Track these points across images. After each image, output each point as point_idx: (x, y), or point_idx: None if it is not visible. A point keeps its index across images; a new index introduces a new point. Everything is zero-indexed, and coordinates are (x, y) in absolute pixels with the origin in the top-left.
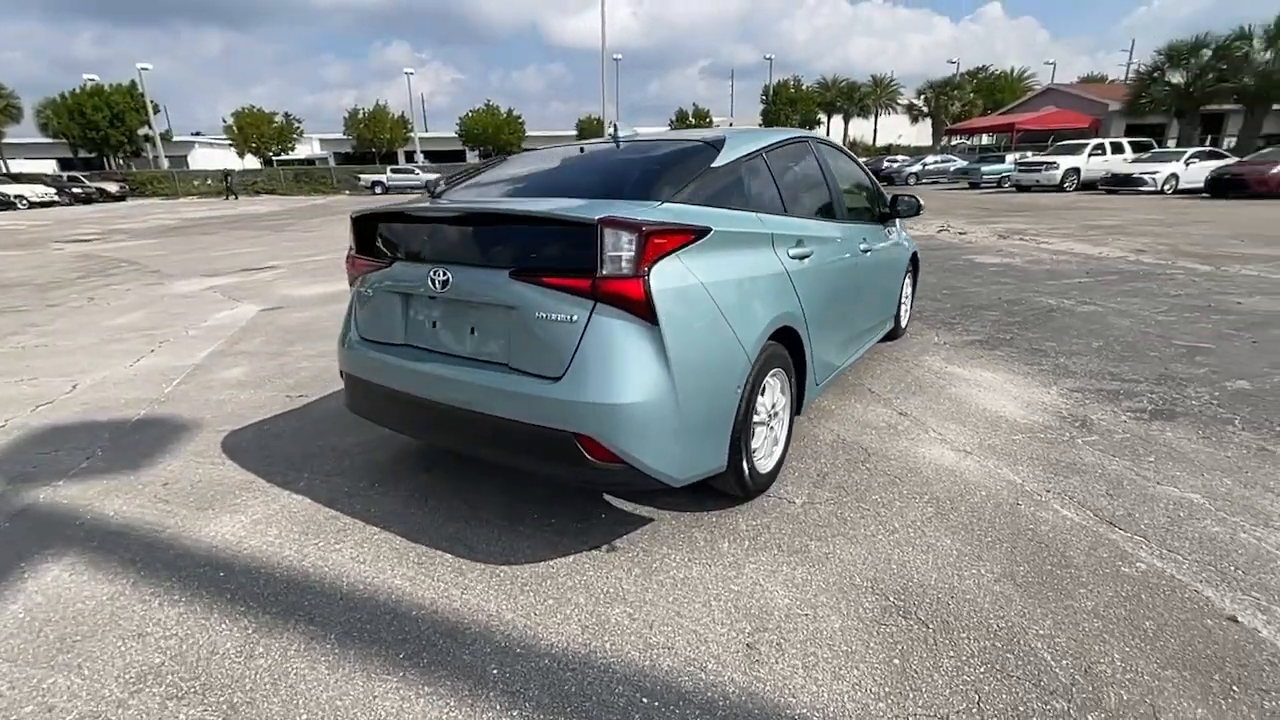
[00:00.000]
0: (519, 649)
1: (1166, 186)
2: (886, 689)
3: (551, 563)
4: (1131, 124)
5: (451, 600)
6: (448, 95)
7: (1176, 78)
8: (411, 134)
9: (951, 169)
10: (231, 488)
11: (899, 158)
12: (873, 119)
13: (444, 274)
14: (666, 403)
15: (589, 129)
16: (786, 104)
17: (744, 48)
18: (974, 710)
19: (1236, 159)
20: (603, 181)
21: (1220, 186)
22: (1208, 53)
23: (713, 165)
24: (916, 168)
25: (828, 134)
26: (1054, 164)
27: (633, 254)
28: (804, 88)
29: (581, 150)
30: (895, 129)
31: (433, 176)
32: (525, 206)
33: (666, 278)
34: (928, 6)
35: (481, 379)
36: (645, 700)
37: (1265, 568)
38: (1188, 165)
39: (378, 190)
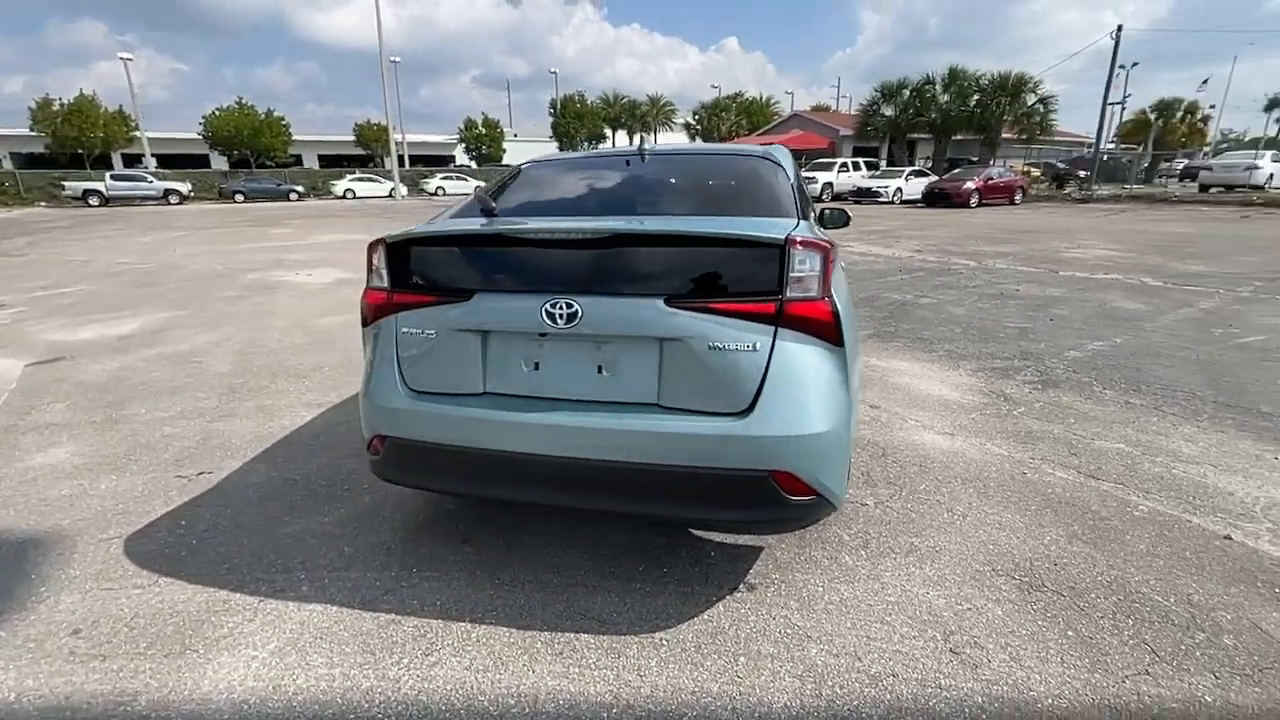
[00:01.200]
0: None
1: (895, 198)
2: (1088, 659)
3: (704, 616)
4: (857, 146)
5: (634, 687)
6: (165, 88)
7: (889, 110)
8: (138, 133)
9: None
10: (198, 614)
11: None
12: (654, 135)
13: (569, 305)
14: (845, 424)
15: (370, 135)
16: (574, 118)
17: (516, 60)
18: (1158, 658)
19: (938, 177)
20: (713, 197)
21: (932, 198)
22: (907, 92)
23: (790, 181)
24: None
25: (614, 148)
26: (814, 179)
27: (818, 274)
28: (589, 103)
29: (628, 163)
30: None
31: (181, 185)
32: (681, 225)
33: (838, 296)
34: (679, 35)
35: (627, 424)
36: None
37: (1209, 493)
38: (908, 181)
39: (93, 201)
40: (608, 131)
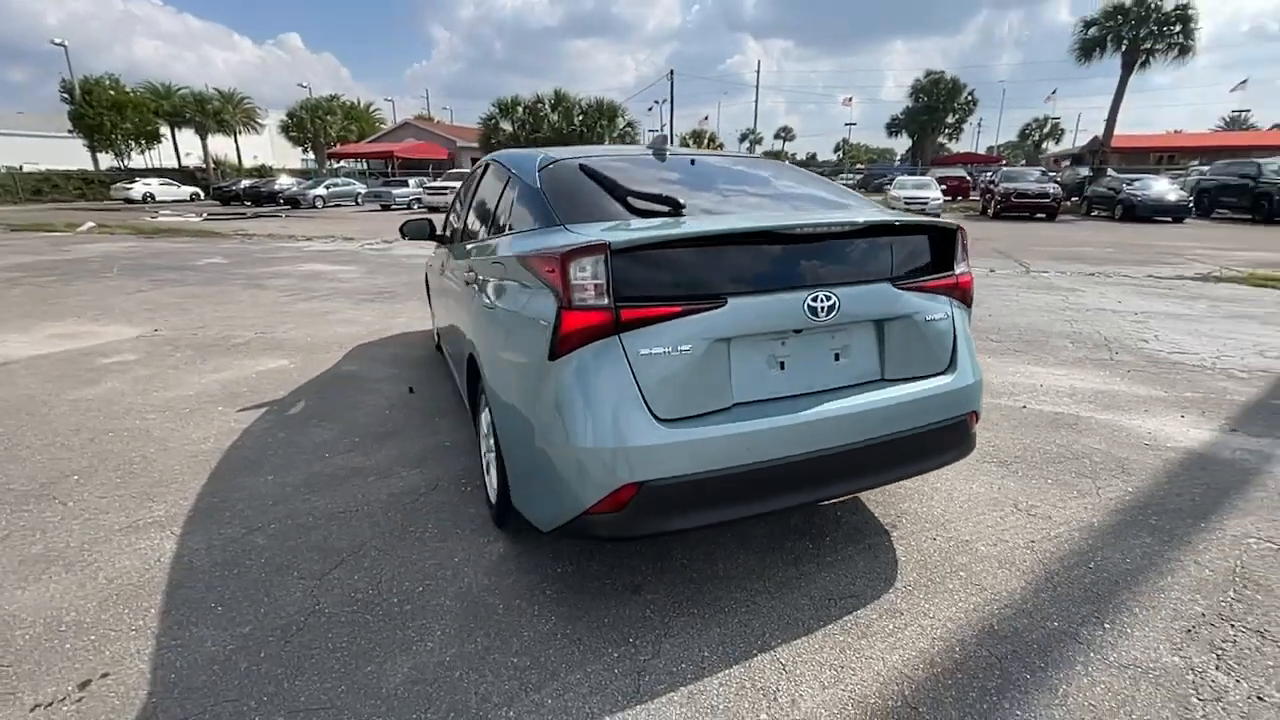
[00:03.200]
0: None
1: None
2: (1076, 492)
3: (902, 563)
4: (477, 158)
5: (944, 637)
6: None
7: (507, 125)
8: None
9: (360, 191)
10: None
11: (285, 180)
12: (235, 137)
13: (828, 298)
14: None
15: None
16: (110, 109)
17: None
18: (1096, 479)
19: None
20: (819, 193)
21: None
22: (520, 109)
23: None
24: (321, 190)
25: (176, 151)
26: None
27: (964, 252)
28: (128, 91)
29: (692, 162)
30: (253, 149)
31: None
32: (902, 217)
33: None
34: (222, 21)
35: (870, 403)
36: (1096, 563)
37: (989, 386)
38: None
39: None
40: (165, 130)
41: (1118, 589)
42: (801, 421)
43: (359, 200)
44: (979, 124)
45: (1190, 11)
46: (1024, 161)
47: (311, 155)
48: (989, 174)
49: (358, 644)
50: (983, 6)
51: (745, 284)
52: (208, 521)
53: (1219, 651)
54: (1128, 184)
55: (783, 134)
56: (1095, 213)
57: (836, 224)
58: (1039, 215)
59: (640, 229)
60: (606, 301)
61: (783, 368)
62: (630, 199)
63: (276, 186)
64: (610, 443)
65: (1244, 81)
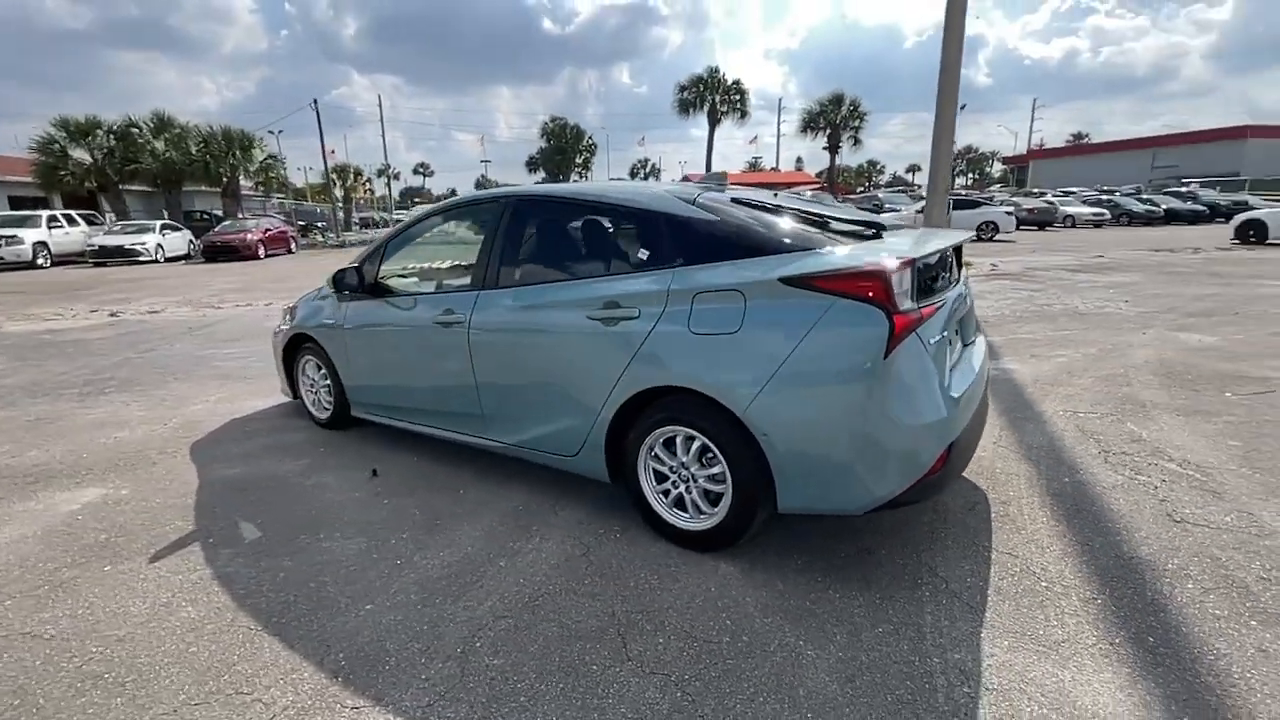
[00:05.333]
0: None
1: (159, 255)
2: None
3: (981, 478)
4: (24, 196)
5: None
6: None
7: (84, 154)
8: None
9: None
10: None
11: None
12: None
13: (963, 290)
14: None
15: None
16: None
17: None
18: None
19: (215, 229)
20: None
21: (215, 251)
22: (102, 133)
23: None
24: None
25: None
26: (18, 238)
27: None
28: None
29: (776, 194)
30: None
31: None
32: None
33: None
34: None
35: (974, 362)
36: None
37: None
38: (164, 235)
39: None
40: None
41: (1057, 451)
42: (972, 380)
43: None
44: (594, 164)
45: (744, 87)
46: None
47: None
48: None
49: (757, 683)
50: (566, 65)
51: (944, 285)
52: (379, 678)
53: (1130, 467)
54: None
55: (421, 169)
56: None
57: (964, 240)
58: None
59: (913, 246)
60: (912, 304)
61: (950, 344)
62: (833, 223)
63: None
64: (940, 413)
65: (755, 137)
